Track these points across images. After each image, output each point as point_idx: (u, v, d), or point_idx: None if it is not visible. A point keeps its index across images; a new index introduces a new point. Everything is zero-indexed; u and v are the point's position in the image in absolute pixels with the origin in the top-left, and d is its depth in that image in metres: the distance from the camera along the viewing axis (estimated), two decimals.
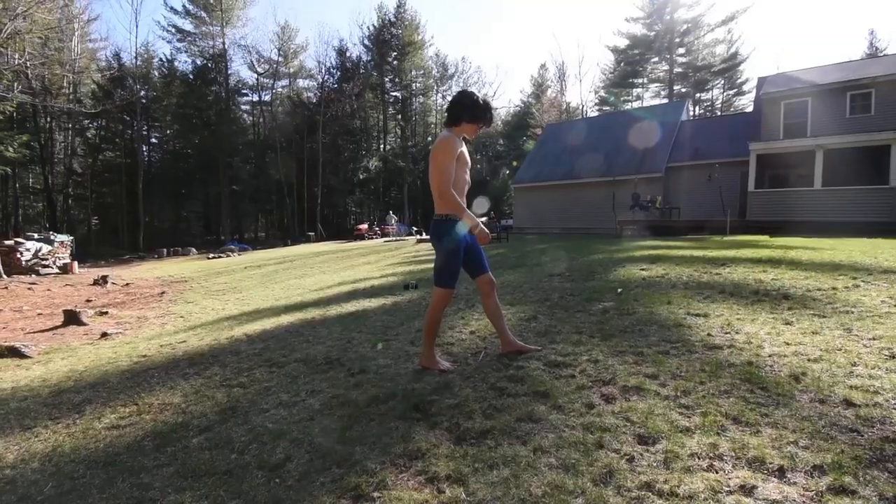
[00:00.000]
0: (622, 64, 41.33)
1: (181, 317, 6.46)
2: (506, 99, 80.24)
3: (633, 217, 15.94)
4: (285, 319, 5.06)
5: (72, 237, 16.66)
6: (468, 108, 2.66)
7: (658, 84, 41.75)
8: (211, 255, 18.89)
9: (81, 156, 32.11)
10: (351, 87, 34.43)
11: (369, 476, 1.69)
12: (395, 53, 38.35)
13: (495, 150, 44.33)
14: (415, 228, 27.93)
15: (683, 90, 39.81)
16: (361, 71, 36.82)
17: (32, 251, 14.00)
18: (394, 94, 40.37)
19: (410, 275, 7.85)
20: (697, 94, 40.94)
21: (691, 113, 32.91)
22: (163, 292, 9.26)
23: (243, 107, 37.84)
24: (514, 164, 39.22)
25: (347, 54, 37.06)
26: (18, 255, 13.44)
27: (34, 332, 6.19)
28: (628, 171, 17.83)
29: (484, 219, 26.43)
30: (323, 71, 35.98)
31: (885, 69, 14.93)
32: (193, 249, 21.64)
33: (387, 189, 38.79)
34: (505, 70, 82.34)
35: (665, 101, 38.03)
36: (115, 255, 21.54)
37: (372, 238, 23.71)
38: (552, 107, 40.79)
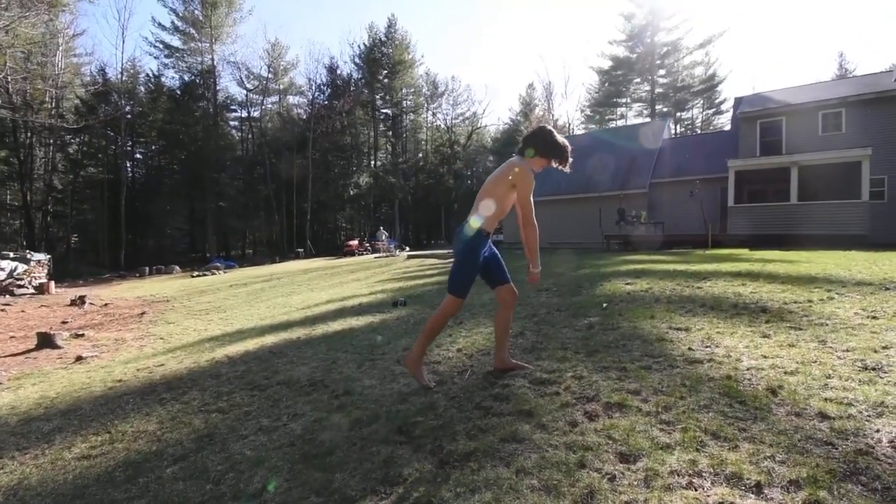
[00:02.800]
0: (606, 84, 42.56)
1: (161, 338, 6.31)
2: (494, 117, 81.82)
3: (619, 231, 16.19)
4: (269, 340, 4.98)
5: (49, 256, 16.25)
6: (549, 145, 2.74)
7: (641, 104, 42.99)
8: (195, 274, 18.56)
9: (62, 172, 31.51)
10: (341, 103, 34.69)
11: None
12: (386, 71, 38.88)
13: (485, 167, 44.91)
14: (405, 245, 27.93)
15: (665, 109, 41.02)
16: (352, 88, 37.17)
17: (7, 271, 13.62)
18: (384, 111, 40.79)
19: (400, 291, 7.82)
20: (678, 113, 42.22)
21: (672, 131, 33.86)
22: (143, 313, 9.04)
23: (232, 122, 37.76)
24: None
25: (338, 72, 37.47)
26: None
27: (5, 357, 5.98)
28: (614, 187, 18.20)
29: None
30: (313, 88, 36.27)
31: (854, 89, 15.62)
32: (177, 267, 21.23)
33: (377, 205, 38.82)
34: (493, 89, 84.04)
35: (648, 119, 39.10)
36: (94, 274, 21.02)
37: (362, 254, 23.59)
38: (539, 124, 41.70)
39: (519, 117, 44.86)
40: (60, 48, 28.39)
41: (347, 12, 70.66)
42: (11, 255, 15.11)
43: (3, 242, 28.63)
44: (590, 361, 2.91)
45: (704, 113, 43.20)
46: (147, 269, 20.83)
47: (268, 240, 36.66)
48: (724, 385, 2.35)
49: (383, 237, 25.44)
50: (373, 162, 40.34)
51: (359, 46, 39.32)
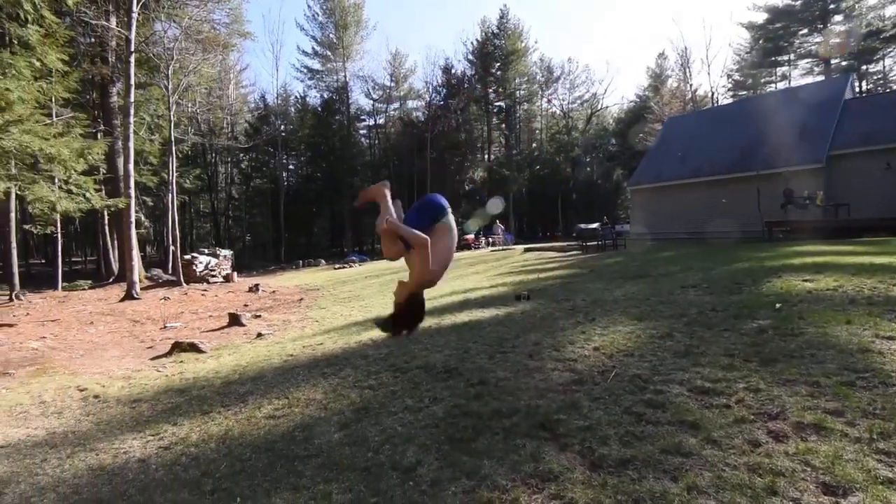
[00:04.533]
0: (760, 41, 35.80)
1: (316, 321, 7.25)
2: (618, 96, 75.39)
3: (785, 217, 13.56)
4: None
5: (231, 252, 19.93)
6: None
7: (809, 59, 35.23)
8: (336, 266, 20.98)
9: (238, 184, 38.59)
10: (456, 102, 35.59)
11: (501, 492, 1.67)
12: (499, 64, 38.65)
13: (606, 151, 41.66)
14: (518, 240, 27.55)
15: (844, 63, 33.00)
16: (466, 85, 37.84)
17: (204, 264, 17.11)
18: (498, 104, 40.65)
19: (521, 285, 7.72)
20: (864, 67, 33.57)
21: (857, 89, 27.10)
22: (301, 298, 10.53)
23: (361, 131, 41.63)
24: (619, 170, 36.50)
25: (452, 71, 38.44)
26: (194, 267, 16.53)
27: (207, 331, 7.50)
28: (777, 163, 15.21)
29: (595, 224, 25.02)
30: (430, 90, 37.87)
31: None
32: (323, 261, 24.28)
33: (491, 198, 39.05)
34: (616, 66, 77.39)
35: (821, 78, 31.97)
36: (262, 267, 25.24)
37: (478, 248, 23.98)
38: (674, 98, 37.00)
39: (647, 92, 40.52)
40: (231, 82, 34.54)
41: (462, 12, 71.94)
42: (206, 251, 18.95)
43: (199, 241, 36.05)
44: (766, 372, 2.48)
45: None
46: (300, 262, 24.26)
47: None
48: None
49: (499, 230, 25.46)
50: (487, 156, 40.56)
51: (472, 43, 39.71)
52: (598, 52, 73.73)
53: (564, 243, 20.41)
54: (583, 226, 26.18)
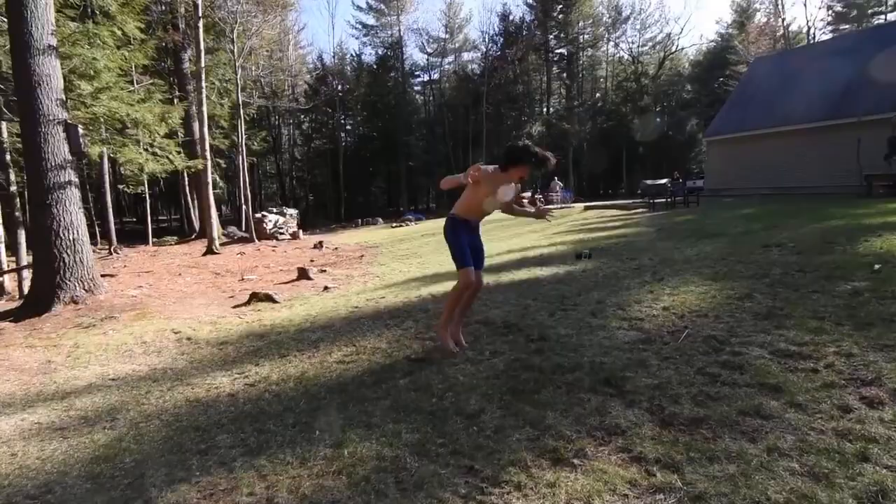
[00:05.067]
0: None
1: (377, 276, 7.55)
2: (696, 35, 67.36)
3: (889, 170, 11.81)
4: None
5: (297, 211, 21.03)
6: (510, 156, 3.00)
7: None
8: (394, 225, 21.53)
9: (300, 145, 40.01)
10: (514, 51, 33.70)
11: (566, 442, 1.69)
12: (561, 6, 35.72)
13: (679, 98, 37.79)
14: (579, 197, 26.36)
15: None
16: (524, 33, 35.56)
17: (273, 222, 18.26)
18: (558, 51, 37.92)
19: (581, 243, 7.48)
20: None
21: None
22: (362, 255, 11.00)
23: (416, 87, 40.95)
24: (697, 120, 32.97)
25: (510, 18, 36.20)
26: (264, 225, 17.73)
27: (279, 284, 8.08)
28: (882, 107, 13.06)
29: (663, 180, 23.29)
30: (486, 40, 36.09)
31: None
32: (381, 219, 25.00)
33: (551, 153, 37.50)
34: (695, 0, 68.74)
35: None
36: (324, 225, 26.51)
37: (536, 206, 23.41)
38: (762, 35, 32.46)
39: (731, 30, 35.83)
40: (291, 43, 34.99)
41: None
42: (274, 210, 20.15)
43: (267, 200, 38.32)
44: (861, 336, 2.25)
45: None
46: (359, 220, 25.16)
47: (448, 194, 39.62)
48: None
49: (558, 188, 24.47)
50: (545, 108, 38.50)
51: None
52: None
53: (629, 200, 19.33)
54: (649, 182, 24.46)
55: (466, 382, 2.53)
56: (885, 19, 30.49)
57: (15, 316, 5.66)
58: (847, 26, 31.85)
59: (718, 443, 1.54)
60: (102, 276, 7.58)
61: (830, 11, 33.38)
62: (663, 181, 23.13)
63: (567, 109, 36.53)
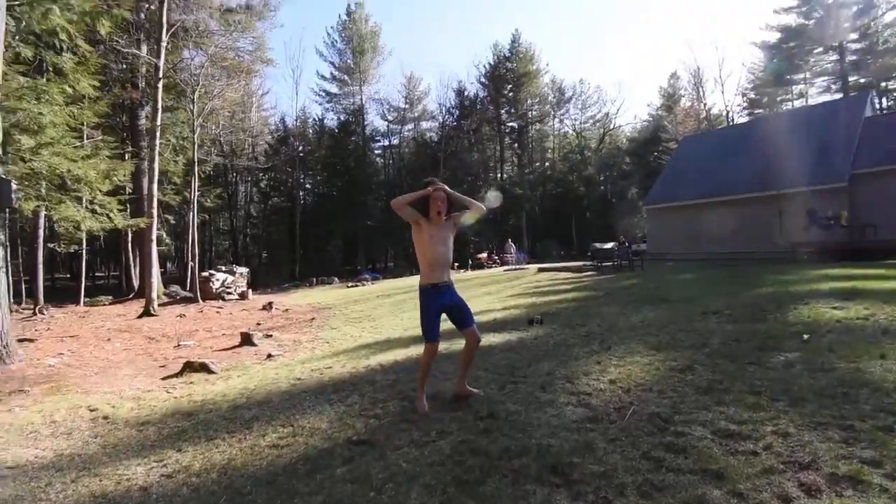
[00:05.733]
0: (774, 60, 35.64)
1: (327, 342, 7.21)
2: (630, 115, 75.58)
3: (808, 238, 13.17)
4: (413, 351, 5.25)
5: (248, 269, 20.22)
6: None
7: (826, 77, 34.77)
8: (349, 284, 21.06)
9: (256, 202, 39.47)
10: (469, 123, 36.03)
11: None
12: (511, 86, 39.18)
13: (620, 170, 41.42)
14: (531, 258, 27.27)
15: (863, 81, 32.44)
16: (478, 107, 38.35)
17: (220, 281, 17.35)
18: (510, 124, 41.04)
19: (533, 307, 7.58)
20: (883, 84, 32.92)
21: (877, 107, 26.52)
22: (313, 318, 10.53)
23: (376, 151, 42.33)
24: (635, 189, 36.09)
25: (465, 93, 39.09)
26: (211, 284, 16.77)
27: (219, 350, 7.51)
28: (797, 182, 14.86)
29: (610, 244, 24.61)
30: (443, 112, 38.50)
31: None
32: (336, 279, 24.40)
33: (505, 217, 38.98)
34: (628, 85, 77.76)
35: (839, 95, 31.47)
36: (277, 284, 25.51)
37: (491, 266, 23.81)
38: (688, 117, 36.83)
39: (660, 111, 40.44)
40: (254, 105, 35.68)
41: (474, 37, 73.58)
42: (223, 268, 19.25)
43: (218, 258, 36.74)
44: (796, 413, 2.32)
45: None
46: (314, 279, 24.44)
47: (405, 254, 39.62)
48: None
49: (512, 250, 25.31)
50: (499, 175, 40.76)
51: (484, 66, 40.44)
52: (609, 74, 74.37)
53: (579, 263, 20.14)
54: (598, 245, 25.77)
55: (409, 470, 2.35)
56: (792, 105, 35.61)
57: None
58: (760, 110, 36.85)
59: None
60: (20, 340, 6.78)
61: (745, 98, 38.71)
62: (610, 245, 24.46)
63: (519, 177, 38.86)
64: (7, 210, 5.76)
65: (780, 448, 1.97)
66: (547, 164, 43.13)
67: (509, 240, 27.40)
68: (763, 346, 3.51)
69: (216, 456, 2.94)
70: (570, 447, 2.23)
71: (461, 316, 3.17)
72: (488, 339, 5.33)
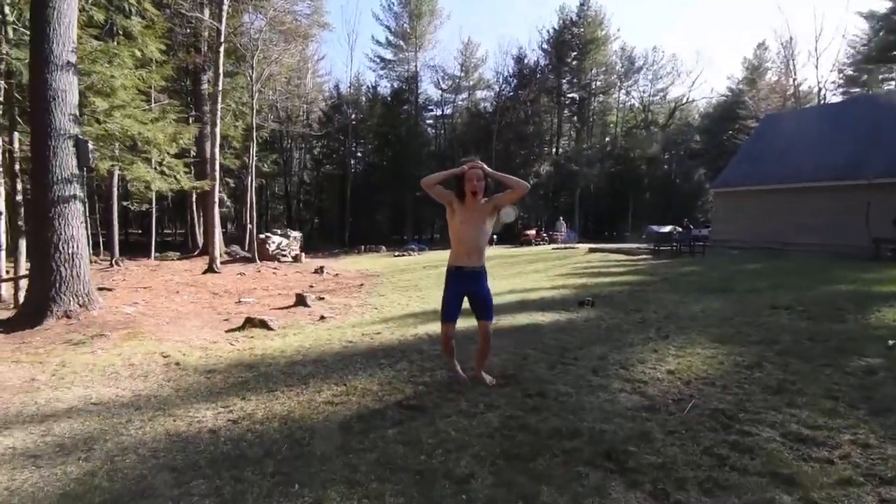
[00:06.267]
0: (882, 33, 31.10)
1: (375, 308, 7.44)
2: (707, 88, 69.35)
3: None
4: (460, 324, 5.25)
5: (301, 234, 21.14)
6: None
7: None
8: (396, 254, 21.51)
9: (309, 169, 40.78)
10: (526, 93, 34.70)
11: None
12: (575, 53, 36.98)
13: (689, 148, 38.43)
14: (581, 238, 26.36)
15: None
16: (538, 76, 36.71)
17: (276, 244, 18.31)
18: (571, 95, 38.97)
19: (584, 289, 7.39)
20: None
21: None
22: (361, 284, 10.90)
23: (428, 121, 41.97)
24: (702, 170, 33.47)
25: (525, 61, 37.41)
26: (267, 246, 17.76)
27: (276, 309, 7.96)
28: (892, 171, 13.26)
29: (668, 227, 23.30)
30: (500, 80, 37.23)
31: None
32: (384, 247, 24.98)
33: (556, 193, 37.73)
34: (707, 56, 71.17)
35: None
36: (327, 249, 26.54)
37: (539, 244, 23.37)
38: (773, 93, 33.37)
39: (742, 86, 36.82)
40: (309, 71, 36.26)
41: (538, 2, 69.55)
42: (279, 232, 20.25)
43: (273, 221, 38.64)
44: (877, 423, 2.12)
45: None
46: (362, 247, 25.19)
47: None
48: None
49: (563, 228, 24.60)
50: (555, 149, 39.23)
51: (548, 31, 38.29)
52: (687, 42, 68.19)
53: (634, 245, 19.32)
54: (654, 227, 24.50)
55: (458, 439, 2.40)
56: (895, 86, 31.33)
57: (6, 327, 5.56)
58: (857, 90, 32.72)
59: None
60: (99, 289, 7.51)
61: (841, 75, 34.32)
62: (668, 228, 23.17)
63: (576, 151, 37.13)
64: (85, 169, 6.27)
65: (858, 459, 1.82)
66: (608, 139, 40.78)
67: (561, 217, 26.55)
68: (841, 348, 3.22)
69: (277, 407, 3.12)
70: (625, 434, 2.18)
71: (480, 308, 3.10)
72: (536, 318, 5.28)
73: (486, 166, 2.96)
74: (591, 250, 16.54)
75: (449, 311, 3.09)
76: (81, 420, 2.92)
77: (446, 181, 3.02)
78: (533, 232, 24.96)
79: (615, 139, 39.91)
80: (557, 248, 19.25)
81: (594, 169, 35.62)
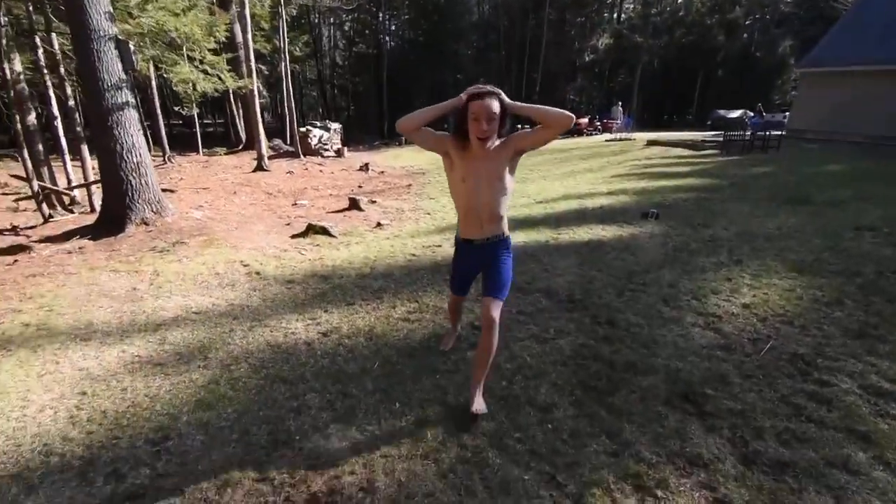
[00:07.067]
0: None
1: (428, 213, 7.51)
2: None
3: None
4: (520, 238, 5.31)
5: (340, 126, 20.63)
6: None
7: None
8: None
9: (341, 49, 38.01)
10: None
11: (647, 467, 1.75)
12: None
13: (777, 12, 32.21)
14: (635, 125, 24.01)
15: None
16: None
17: (318, 137, 18.09)
18: None
19: (644, 194, 7.07)
20: None
21: None
22: (409, 185, 10.89)
23: None
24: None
25: None
26: (309, 140, 17.61)
27: (332, 213, 8.23)
28: None
29: (738, 112, 20.90)
30: None
31: None
32: None
33: (614, 72, 33.61)
34: None
35: None
36: (367, 141, 26.08)
37: (591, 134, 21.76)
38: None
39: None
40: None
41: None
42: (318, 124, 19.84)
43: (309, 109, 37.69)
44: None
45: None
46: (403, 138, 24.56)
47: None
48: None
49: (619, 115, 22.20)
50: (617, 17, 33.99)
51: None
52: None
53: (699, 135, 17.68)
54: (722, 112, 22.10)
55: (534, 365, 2.59)
56: None
57: (92, 234, 5.95)
58: None
59: (804, 496, 1.57)
60: (163, 191, 7.88)
61: None
62: (738, 113, 20.80)
63: (642, 19, 31.95)
64: (130, 72, 6.14)
65: None
66: (680, 1, 34.54)
67: (619, 103, 23.78)
68: None
69: (358, 321, 3.35)
70: (702, 375, 2.29)
71: (491, 281, 2.19)
72: (597, 233, 5.21)
73: (501, 93, 1.96)
74: (650, 143, 15.35)
75: (459, 287, 2.58)
76: (189, 329, 3.20)
77: (438, 120, 2.05)
78: (585, 120, 22.81)
79: (690, 2, 33.74)
80: (611, 140, 17.96)
81: (661, 40, 30.94)
